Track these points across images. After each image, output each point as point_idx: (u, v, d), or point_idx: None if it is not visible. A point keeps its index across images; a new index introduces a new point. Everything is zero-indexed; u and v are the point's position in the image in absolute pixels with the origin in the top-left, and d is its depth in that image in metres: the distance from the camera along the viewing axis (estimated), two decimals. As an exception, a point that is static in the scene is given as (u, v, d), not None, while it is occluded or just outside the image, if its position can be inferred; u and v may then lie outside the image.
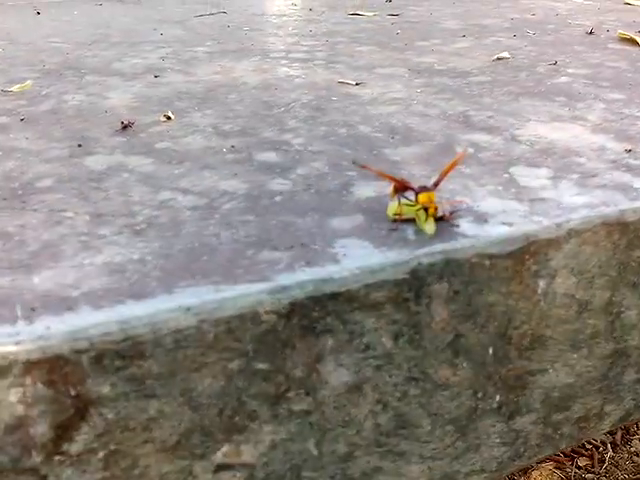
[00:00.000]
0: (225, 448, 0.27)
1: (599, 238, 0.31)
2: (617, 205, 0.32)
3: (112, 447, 0.24)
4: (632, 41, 0.74)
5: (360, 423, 0.29)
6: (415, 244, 0.28)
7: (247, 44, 0.74)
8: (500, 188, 0.34)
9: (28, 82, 0.56)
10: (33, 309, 0.23)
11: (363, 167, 0.33)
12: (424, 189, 0.29)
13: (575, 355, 0.34)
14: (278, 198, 0.33)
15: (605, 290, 0.33)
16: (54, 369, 0.22)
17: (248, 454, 0.27)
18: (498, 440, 0.34)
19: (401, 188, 0.30)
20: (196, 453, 0.26)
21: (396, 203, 0.30)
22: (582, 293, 0.32)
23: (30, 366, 0.22)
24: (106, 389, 0.23)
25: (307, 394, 0.27)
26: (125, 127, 0.44)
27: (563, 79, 0.56)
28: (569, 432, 0.37)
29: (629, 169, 0.36)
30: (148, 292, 0.24)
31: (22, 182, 0.35)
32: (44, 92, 0.54)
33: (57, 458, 0.24)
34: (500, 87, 0.54)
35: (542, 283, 0.31)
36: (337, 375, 0.28)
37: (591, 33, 0.79)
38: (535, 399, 0.34)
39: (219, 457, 0.27)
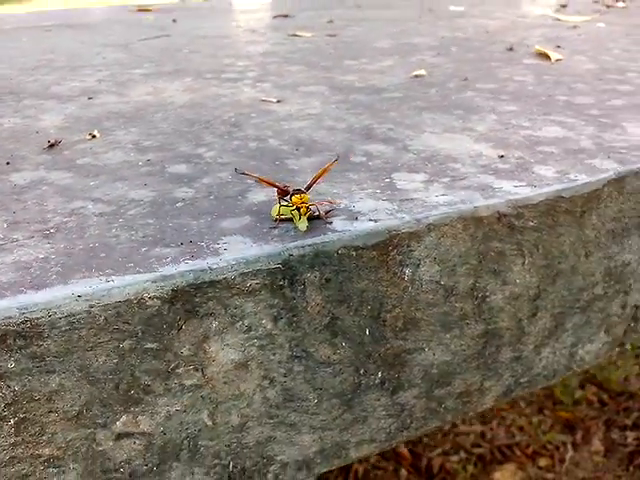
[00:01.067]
0: (124, 418, 0.31)
1: (457, 231, 0.36)
2: (473, 202, 0.36)
3: (21, 415, 0.28)
4: (545, 55, 0.81)
5: (250, 397, 0.33)
6: (289, 239, 0.32)
7: (183, 65, 0.79)
8: (378, 191, 0.38)
9: (-32, 105, 0.59)
10: (-56, 300, 0.27)
11: (244, 174, 0.38)
12: (297, 192, 0.33)
13: (448, 335, 0.38)
14: (179, 204, 0.37)
15: (468, 277, 0.37)
16: (-39, 350, 0.26)
17: (145, 424, 0.31)
18: (384, 413, 0.38)
19: (281, 192, 0.34)
20: (97, 422, 0.30)
21: (277, 205, 0.34)
22: (446, 280, 0.37)
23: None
24: (11, 364, 0.27)
25: (196, 370, 0.31)
26: (52, 145, 0.48)
27: (469, 94, 0.62)
28: (453, 406, 0.41)
29: (495, 172, 0.41)
30: (47, 284, 0.28)
31: (-51, 195, 0.39)
32: (-19, 115, 0.57)
33: (-32, 429, 0.27)
34: (408, 102, 0.59)
35: (408, 271, 0.35)
36: (224, 353, 0.32)
37: (511, 49, 0.85)
38: (415, 375, 0.39)
39: (119, 426, 0.31)
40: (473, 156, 0.44)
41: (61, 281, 0.28)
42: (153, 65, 0.80)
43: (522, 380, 0.43)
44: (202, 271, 0.30)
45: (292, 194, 0.33)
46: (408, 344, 0.37)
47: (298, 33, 1.04)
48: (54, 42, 1.01)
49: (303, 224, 0.33)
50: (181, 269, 0.30)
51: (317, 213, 0.34)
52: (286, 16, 1.29)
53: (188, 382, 0.31)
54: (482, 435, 1.64)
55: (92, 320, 0.28)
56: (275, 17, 1.30)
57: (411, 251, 0.35)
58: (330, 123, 0.53)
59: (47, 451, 0.29)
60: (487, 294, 0.39)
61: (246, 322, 0.32)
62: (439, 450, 1.64)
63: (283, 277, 0.32)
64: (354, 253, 0.33)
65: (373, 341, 0.36)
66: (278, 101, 0.60)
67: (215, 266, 0.30)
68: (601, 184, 0.40)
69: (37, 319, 0.27)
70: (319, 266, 0.33)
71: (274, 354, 0.33)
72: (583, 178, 0.40)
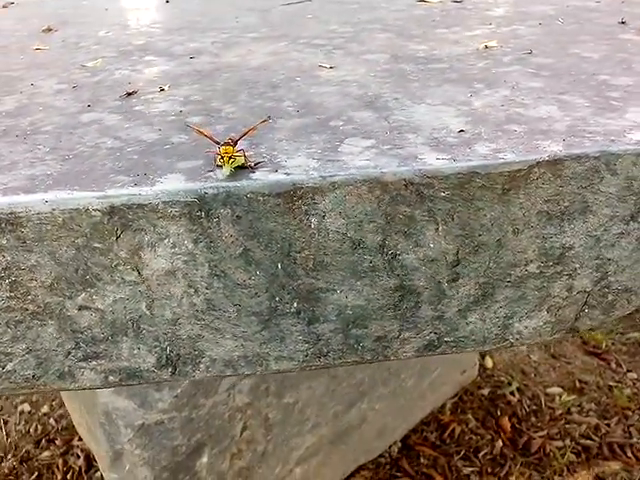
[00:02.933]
0: (83, 295, 0.43)
1: (361, 192, 0.41)
2: (384, 168, 0.41)
3: (13, 278, 0.42)
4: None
5: (178, 299, 0.44)
6: (211, 181, 0.41)
7: (292, 30, 0.88)
8: (318, 151, 0.45)
9: (99, 60, 0.76)
10: (-24, 193, 0.41)
11: (191, 127, 0.47)
12: (226, 144, 0.42)
13: (359, 283, 0.44)
14: (167, 147, 0.48)
15: (375, 234, 0.43)
16: (-25, 226, 0.40)
17: (99, 303, 0.43)
18: (301, 338, 0.46)
19: (218, 144, 0.43)
20: (65, 294, 0.43)
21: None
22: (353, 233, 0.42)
23: (-38, 221, 0.40)
24: (4, 242, 0.41)
25: (133, 270, 0.42)
26: (129, 94, 0.62)
27: (513, 68, 0.62)
28: (371, 347, 0.47)
29: (436, 145, 0.45)
30: (35, 191, 0.41)
31: (30, 121, 0.54)
32: (106, 67, 0.74)
33: (-19, 279, 0.42)
34: (443, 74, 0.62)
35: (314, 220, 0.42)
36: (155, 261, 0.42)
37: (623, 23, 0.79)
38: (330, 312, 0.45)
39: (80, 300, 0.43)
40: (436, 128, 0.48)
41: (44, 190, 0.41)
42: (269, 29, 0.91)
43: (447, 339, 0.47)
44: (133, 195, 0.40)
45: (221, 145, 0.42)
46: (320, 284, 0.44)
47: (427, -1, 1.06)
48: (212, 4, 1.17)
49: (226, 170, 0.42)
50: (119, 192, 0.40)
51: (248, 163, 0.43)
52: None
53: (128, 278, 0.43)
54: (596, 428, 1.55)
55: (54, 219, 0.40)
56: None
57: (315, 203, 0.41)
58: (351, 90, 0.59)
59: (32, 307, 0.43)
60: (398, 252, 0.43)
61: (171, 240, 0.42)
62: (544, 432, 1.59)
63: (200, 209, 0.41)
64: (261, 198, 0.41)
65: (286, 275, 0.44)
66: (331, 67, 0.67)
67: (144, 193, 0.40)
68: (527, 165, 0.41)
69: (19, 212, 0.40)
70: (231, 205, 0.41)
71: (196, 270, 0.43)
72: (509, 157, 0.42)
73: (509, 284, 0.45)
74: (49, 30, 1.02)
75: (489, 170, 0.41)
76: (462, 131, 0.47)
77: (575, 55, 0.65)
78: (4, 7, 1.43)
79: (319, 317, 0.45)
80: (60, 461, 1.47)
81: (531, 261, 0.45)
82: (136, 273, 0.43)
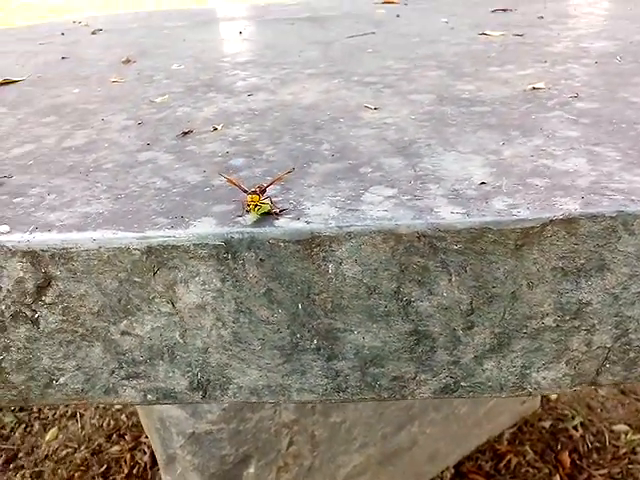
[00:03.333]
0: (125, 322, 0.48)
1: (376, 242, 0.44)
2: (399, 220, 0.44)
3: (65, 304, 0.47)
4: None
5: (208, 330, 0.48)
6: (238, 226, 0.45)
7: (349, 66, 0.92)
8: (342, 199, 0.48)
9: (167, 96, 0.83)
10: (31, 231, 0.47)
11: (223, 176, 0.50)
12: (252, 192, 0.45)
13: (375, 325, 0.47)
14: (207, 189, 0.52)
15: (390, 281, 0.45)
16: (35, 258, 0.46)
17: (138, 329, 0.48)
18: (320, 373, 0.49)
19: (246, 191, 0.47)
20: (109, 320, 0.48)
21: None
22: (369, 280, 0.45)
23: (24, 255, 0.46)
24: (57, 273, 0.46)
25: (168, 303, 0.47)
26: (185, 134, 0.67)
27: (554, 113, 0.63)
28: (388, 385, 0.49)
29: (455, 197, 0.46)
30: (86, 228, 0.46)
31: (94, 158, 0.60)
32: (171, 104, 0.80)
33: (39, 303, 0.47)
34: (483, 118, 0.63)
35: (331, 266, 0.45)
36: (188, 296, 0.47)
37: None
38: (348, 351, 0.48)
39: (122, 326, 0.48)
40: (459, 179, 0.49)
41: (94, 228, 0.46)
42: (327, 65, 0.95)
43: (463, 384, 0.48)
44: (168, 237, 0.45)
45: (248, 194, 0.46)
46: (338, 324, 0.47)
47: (488, 32, 1.07)
48: (282, 37, 1.23)
49: (252, 216, 0.45)
50: (157, 233, 0.45)
51: (273, 210, 0.46)
52: (505, 10, 1.30)
53: (163, 309, 0.47)
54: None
55: (100, 256, 0.45)
56: (494, 11, 1.32)
57: (333, 251, 0.44)
58: (388, 134, 0.61)
59: (81, 330, 0.48)
60: (412, 299, 0.45)
61: (201, 278, 0.46)
62: (605, 470, 1.53)
63: (226, 252, 0.45)
64: (282, 244, 0.44)
65: (306, 314, 0.47)
66: (375, 109, 0.70)
67: (178, 235, 0.45)
68: (540, 222, 0.42)
69: (70, 248, 0.45)
70: (254, 249, 0.45)
71: (224, 305, 0.47)
72: (523, 214, 0.43)
73: (525, 335, 0.46)
74: (128, 61, 1.11)
75: (501, 226, 0.43)
76: (483, 183, 0.48)
77: (622, 100, 0.65)
78: (93, 34, 1.56)
79: (337, 355, 0.48)
80: (128, 456, 1.57)
81: (547, 314, 0.45)
82: (170, 305, 0.47)
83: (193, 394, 0.50)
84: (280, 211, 0.46)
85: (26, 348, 0.49)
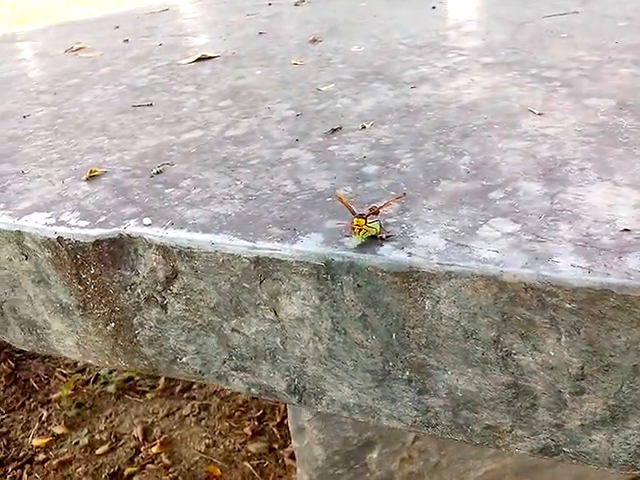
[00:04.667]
0: (235, 320, 0.51)
1: (477, 286, 0.40)
2: (506, 267, 0.40)
3: (188, 297, 0.52)
4: None
5: (306, 342, 0.49)
6: (341, 248, 0.45)
7: (531, 56, 0.83)
8: (456, 230, 0.45)
9: (333, 85, 0.83)
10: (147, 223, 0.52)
11: (337, 196, 0.49)
12: (359, 216, 0.44)
13: (470, 370, 0.43)
14: (328, 199, 0.52)
15: (490, 329, 0.41)
16: (166, 252, 0.51)
17: (245, 329, 0.51)
18: (410, 404, 0.47)
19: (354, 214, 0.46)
20: (223, 317, 0.51)
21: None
22: (466, 323, 0.42)
23: (157, 248, 0.51)
24: (183, 268, 0.51)
25: (272, 311, 0.49)
26: (333, 130, 0.67)
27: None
28: (481, 432, 0.46)
29: (582, 246, 0.41)
30: (217, 230, 0.50)
31: (245, 152, 0.63)
32: (335, 93, 0.80)
33: (168, 291, 0.53)
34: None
35: (428, 303, 0.42)
36: (289, 307, 0.48)
37: None
38: (440, 389, 0.46)
39: (232, 324, 0.51)
40: (597, 221, 0.43)
41: (217, 232, 0.50)
42: (509, 52, 0.87)
43: (566, 449, 0.43)
44: (275, 250, 0.46)
45: (355, 217, 0.45)
46: (431, 361, 0.45)
47: None
48: (473, 13, 1.15)
49: (356, 240, 0.45)
50: (266, 245, 0.47)
51: (379, 235, 0.45)
52: None
53: (267, 316, 0.49)
54: None
55: (216, 259, 0.49)
56: None
57: (431, 288, 0.42)
58: (540, 149, 0.55)
59: (199, 321, 0.53)
60: (513, 352, 0.41)
61: (302, 293, 0.47)
62: None
63: (326, 272, 0.45)
64: (380, 274, 0.43)
65: (400, 345, 0.45)
66: (539, 114, 0.63)
67: (283, 251, 0.46)
68: (676, 295, 0.35)
69: (193, 248, 0.49)
70: (353, 274, 0.44)
71: (321, 322, 0.47)
72: (655, 281, 0.36)
73: (645, 415, 0.40)
74: (314, 41, 1.14)
75: (627, 292, 0.37)
76: (626, 230, 0.41)
77: None
78: (296, 5, 1.61)
79: (429, 390, 0.46)
80: (282, 406, 1.68)
81: (675, 398, 0.38)
82: (273, 313, 0.49)
83: (290, 397, 0.52)
84: (386, 237, 0.45)
85: (156, 327, 0.55)
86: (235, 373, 0.54)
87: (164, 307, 0.53)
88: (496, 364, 0.42)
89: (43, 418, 1.52)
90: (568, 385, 0.41)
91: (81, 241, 0.53)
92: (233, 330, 0.52)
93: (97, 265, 0.54)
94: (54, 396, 1.58)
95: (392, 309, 0.44)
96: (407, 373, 0.46)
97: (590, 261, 0.39)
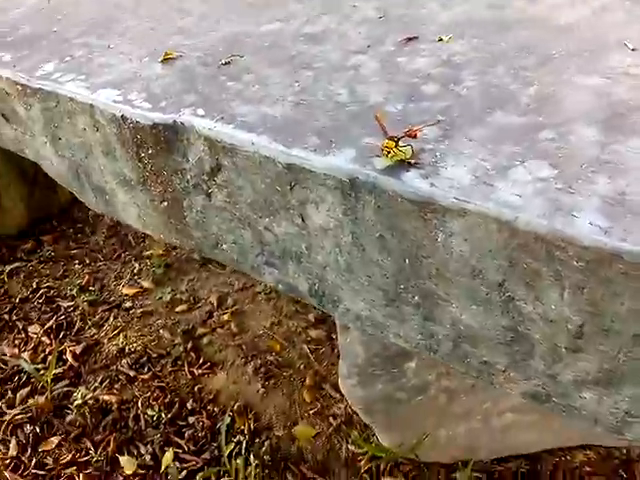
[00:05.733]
0: (267, 220, 0.54)
1: (490, 229, 0.40)
2: (521, 213, 0.38)
3: (229, 189, 0.55)
4: None
5: (327, 252, 0.51)
6: (369, 167, 0.45)
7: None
8: (488, 167, 0.43)
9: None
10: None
11: (375, 115, 0.47)
12: (390, 138, 0.44)
13: (474, 307, 0.44)
14: (370, 114, 0.51)
15: (496, 272, 0.41)
16: (212, 145, 0.53)
17: (276, 229, 0.53)
18: (416, 327, 0.49)
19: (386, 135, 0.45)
20: (257, 214, 0.54)
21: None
22: (474, 262, 0.42)
23: (205, 139, 0.53)
24: (226, 162, 0.53)
25: (299, 217, 0.51)
26: (409, 40, 0.64)
27: None
28: (477, 367, 0.47)
29: (611, 205, 0.38)
30: (254, 131, 0.51)
31: (314, 53, 0.63)
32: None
33: (212, 182, 0.56)
34: None
35: (441, 235, 0.42)
36: (315, 217, 0.49)
37: None
38: (444, 319, 0.46)
39: (265, 222, 0.54)
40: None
41: (260, 133, 0.51)
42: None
43: (555, 400, 0.44)
44: (306, 160, 0.47)
45: (387, 138, 0.44)
46: (439, 291, 0.45)
47: None
48: None
49: (383, 162, 0.44)
50: (300, 154, 0.48)
51: (407, 160, 0.44)
52: None
53: (295, 220, 0.51)
54: None
55: (254, 159, 0.50)
56: None
57: (445, 222, 0.42)
58: (618, 91, 0.50)
59: (237, 214, 0.56)
60: (516, 298, 0.41)
61: (327, 205, 0.48)
62: None
63: (350, 188, 0.46)
64: (399, 199, 0.43)
65: (412, 271, 0.46)
66: (633, 49, 0.57)
67: (313, 161, 0.47)
68: (688, 273, 0.33)
69: (235, 144, 0.51)
70: (375, 195, 0.44)
71: (342, 235, 0.49)
72: (671, 256, 0.34)
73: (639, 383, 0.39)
74: None
75: (637, 259, 0.35)
76: (665, 195, 0.38)
77: None
78: None
79: (435, 318, 0.47)
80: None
81: (670, 375, 0.37)
82: (300, 220, 0.51)
83: (311, 298, 0.55)
84: (414, 163, 0.44)
85: (202, 213, 0.59)
86: (266, 267, 0.57)
87: (209, 195, 0.57)
88: (498, 307, 0.42)
89: (135, 271, 1.68)
90: (565, 340, 0.40)
91: (141, 122, 0.57)
92: (265, 228, 0.54)
93: (154, 147, 0.57)
94: (147, 253, 1.73)
95: (408, 235, 0.44)
96: (416, 298, 0.47)
97: (611, 222, 0.37)
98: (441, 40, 0.63)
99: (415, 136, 0.46)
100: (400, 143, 0.44)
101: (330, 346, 1.48)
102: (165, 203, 0.61)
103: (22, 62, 0.71)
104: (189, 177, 0.57)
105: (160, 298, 1.57)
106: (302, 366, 1.24)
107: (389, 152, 0.44)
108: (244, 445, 1.05)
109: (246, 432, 1.09)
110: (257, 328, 1.50)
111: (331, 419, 1.10)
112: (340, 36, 0.67)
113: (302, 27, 0.71)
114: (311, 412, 1.11)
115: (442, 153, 0.45)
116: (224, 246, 0.60)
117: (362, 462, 1.00)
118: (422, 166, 0.44)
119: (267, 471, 1.03)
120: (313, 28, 0.70)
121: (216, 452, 1.06)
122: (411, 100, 0.53)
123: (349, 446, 1.05)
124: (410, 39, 0.64)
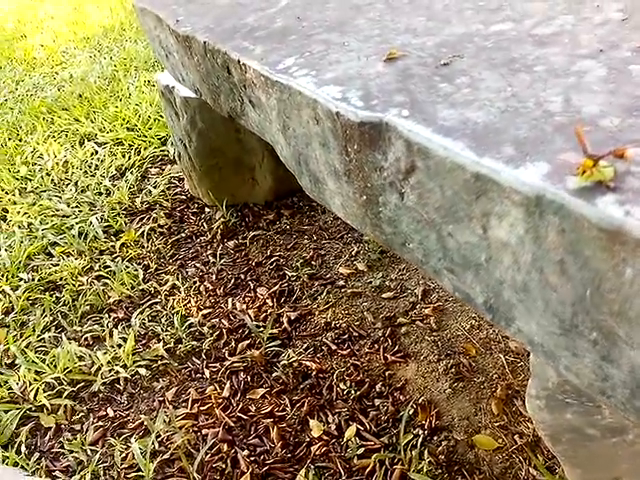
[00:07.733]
0: (451, 226, 0.53)
1: (685, 272, 0.35)
2: None
3: (419, 191, 0.56)
4: None
5: (505, 268, 0.49)
6: (558, 185, 0.42)
7: None
8: (701, 201, 0.37)
9: None
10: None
11: (576, 129, 0.43)
12: (589, 156, 0.40)
13: (658, 356, 0.39)
14: (566, 129, 0.48)
15: (688, 322, 0.36)
16: (409, 146, 0.54)
17: (458, 236, 0.53)
18: (590, 366, 0.45)
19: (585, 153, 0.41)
20: (443, 220, 0.54)
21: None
22: (664, 306, 0.37)
23: (399, 137, 0.55)
24: (419, 164, 0.54)
25: (481, 227, 0.49)
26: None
27: None
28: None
29: None
30: (451, 135, 0.51)
31: (539, 55, 0.60)
32: None
33: (406, 182, 0.57)
34: None
35: (629, 271, 0.38)
36: (497, 229, 0.48)
37: None
38: (623, 363, 0.42)
39: (449, 229, 0.54)
40: None
41: (457, 137, 0.51)
42: None
43: None
44: (494, 171, 0.46)
45: (585, 156, 0.41)
46: (620, 332, 0.41)
47: None
48: None
49: (578, 181, 0.41)
50: (488, 164, 0.47)
51: (606, 183, 0.40)
52: None
53: (477, 231, 0.50)
54: None
55: (444, 165, 0.50)
56: None
57: (636, 257, 0.37)
58: None
59: (425, 217, 0.56)
60: None
61: (511, 220, 0.46)
62: None
63: (535, 206, 0.43)
64: (586, 224, 0.40)
65: (592, 304, 0.42)
66: None
67: (502, 173, 0.45)
68: None
69: (430, 148, 0.52)
70: (560, 217, 0.42)
71: (522, 253, 0.46)
72: None
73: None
74: None
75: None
76: None
77: None
78: None
79: (613, 361, 0.43)
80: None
81: None
82: (482, 231, 0.50)
83: (485, 312, 0.54)
84: (613, 187, 0.40)
85: (394, 211, 0.61)
86: (446, 273, 0.57)
87: (401, 195, 0.58)
88: (687, 362, 0.37)
89: (353, 253, 1.78)
90: None
91: (351, 119, 0.60)
92: (449, 234, 0.54)
93: (359, 143, 0.61)
94: (366, 237, 1.82)
95: (591, 264, 0.41)
96: (594, 334, 0.43)
97: None
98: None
99: (622, 156, 0.41)
100: (602, 162, 0.41)
101: (527, 360, 1.40)
102: (364, 197, 0.64)
103: (269, 55, 0.80)
104: (386, 175, 0.59)
105: (370, 282, 1.64)
106: (495, 375, 1.20)
107: (584, 171, 0.41)
108: (421, 439, 1.06)
109: (426, 427, 1.09)
110: (456, 328, 1.49)
111: (516, 437, 1.05)
112: (571, 39, 0.63)
113: (534, 28, 0.67)
114: (496, 424, 1.07)
115: (648, 179, 0.40)
116: (411, 245, 0.61)
117: (540, 491, 0.94)
118: (622, 191, 0.40)
119: (440, 471, 1.03)
120: (545, 29, 0.66)
121: (394, 439, 1.09)
122: (632, 115, 0.48)
123: (530, 469, 0.99)
124: (652, 44, 0.57)
